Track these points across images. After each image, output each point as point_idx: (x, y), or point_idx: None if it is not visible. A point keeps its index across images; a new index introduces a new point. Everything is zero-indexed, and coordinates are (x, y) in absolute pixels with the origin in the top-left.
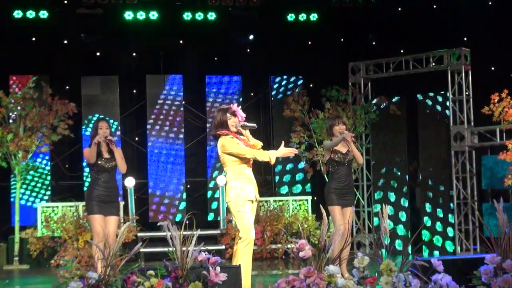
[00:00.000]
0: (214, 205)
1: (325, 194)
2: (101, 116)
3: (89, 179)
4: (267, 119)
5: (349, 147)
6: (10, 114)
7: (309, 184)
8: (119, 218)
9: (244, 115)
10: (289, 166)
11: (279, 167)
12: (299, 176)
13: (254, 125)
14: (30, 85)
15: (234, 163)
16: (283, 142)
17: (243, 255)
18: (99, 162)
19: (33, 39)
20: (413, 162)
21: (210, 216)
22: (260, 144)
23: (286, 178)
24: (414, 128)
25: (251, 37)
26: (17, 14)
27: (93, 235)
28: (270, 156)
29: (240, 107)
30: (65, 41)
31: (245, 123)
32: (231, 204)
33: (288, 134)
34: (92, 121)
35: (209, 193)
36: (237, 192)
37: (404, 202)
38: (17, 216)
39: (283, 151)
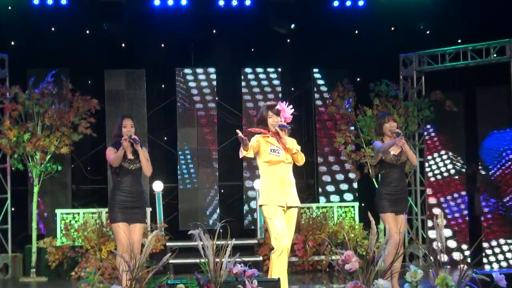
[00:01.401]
0: (250, 212)
1: (376, 200)
2: (126, 113)
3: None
4: (309, 117)
5: (402, 147)
6: (27, 111)
7: (356, 189)
8: (145, 225)
9: (291, 116)
10: (335, 168)
11: (323, 169)
12: (345, 180)
13: (288, 126)
14: (49, 80)
15: (265, 164)
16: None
17: (277, 266)
18: (122, 163)
19: (52, 29)
20: (471, 164)
21: (246, 224)
22: (295, 148)
23: (330, 182)
24: (473, 126)
25: (292, 26)
26: (35, 1)
27: (117, 245)
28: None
29: (290, 106)
30: (87, 31)
31: (284, 123)
32: (262, 210)
33: (332, 133)
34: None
35: (245, 199)
36: (265, 197)
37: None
38: (34, 223)
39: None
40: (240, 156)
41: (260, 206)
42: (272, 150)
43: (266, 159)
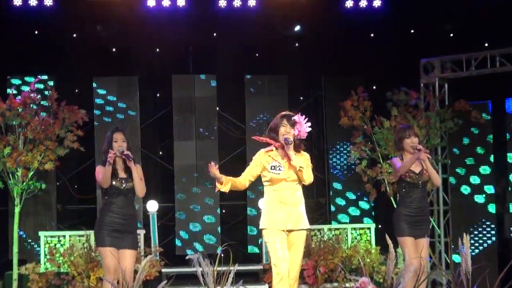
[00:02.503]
0: (254, 235)
1: (394, 222)
2: (116, 126)
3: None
4: (319, 129)
5: (423, 165)
6: (8, 123)
7: (372, 209)
8: (136, 252)
9: (307, 130)
10: (348, 185)
11: (337, 185)
12: (360, 199)
13: (290, 141)
14: (32, 88)
15: (266, 182)
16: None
17: None
18: (113, 182)
19: (36, 32)
20: (501, 181)
21: (251, 248)
22: (298, 165)
23: (344, 201)
24: (502, 140)
25: (297, 28)
26: (17, 1)
27: (104, 270)
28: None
29: (308, 123)
30: (74, 35)
31: (288, 137)
32: (263, 233)
33: (345, 147)
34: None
35: (249, 220)
36: (265, 219)
37: (490, 231)
38: (16, 247)
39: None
40: (215, 191)
41: (261, 229)
42: (273, 167)
43: (266, 178)
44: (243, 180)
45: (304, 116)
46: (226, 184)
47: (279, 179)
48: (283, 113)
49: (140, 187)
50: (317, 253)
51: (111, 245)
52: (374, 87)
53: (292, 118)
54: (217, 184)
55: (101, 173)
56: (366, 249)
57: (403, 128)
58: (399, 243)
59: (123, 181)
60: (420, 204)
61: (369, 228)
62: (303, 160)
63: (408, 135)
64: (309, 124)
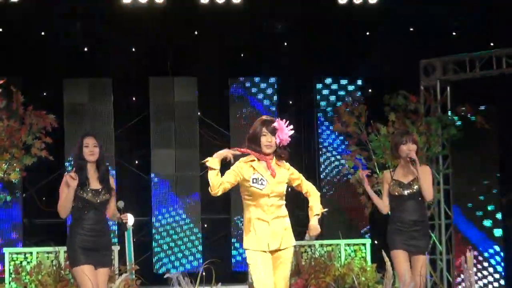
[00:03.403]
0: (240, 251)
1: (387, 236)
2: (87, 131)
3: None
4: (310, 136)
5: (416, 174)
6: None
7: (367, 223)
8: (110, 270)
9: (288, 138)
10: (342, 197)
11: (327, 198)
12: (354, 212)
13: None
14: None
15: (247, 197)
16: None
17: None
18: (85, 195)
19: (0, 30)
20: (508, 192)
21: (236, 266)
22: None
23: (337, 214)
24: (509, 147)
25: (285, 25)
26: None
27: None
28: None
29: (290, 126)
30: (42, 33)
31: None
32: (246, 253)
33: (338, 156)
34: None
35: (233, 235)
36: (246, 239)
37: (496, 248)
38: None
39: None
40: (212, 193)
41: (244, 249)
42: (254, 180)
43: (247, 192)
44: (217, 184)
45: (284, 120)
46: (219, 186)
47: (261, 194)
48: (262, 119)
49: (112, 212)
50: (308, 271)
51: (86, 263)
52: (370, 90)
53: (272, 125)
54: (212, 185)
55: (64, 192)
56: (361, 267)
57: (399, 133)
58: (391, 258)
59: (96, 194)
60: (412, 217)
61: (364, 244)
62: (283, 175)
63: (405, 141)
64: (291, 127)
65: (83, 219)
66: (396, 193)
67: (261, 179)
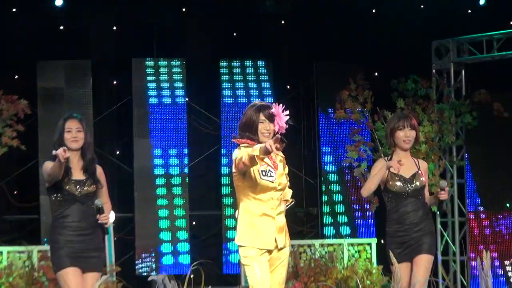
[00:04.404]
0: (232, 252)
1: (386, 244)
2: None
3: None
4: (310, 124)
5: (417, 167)
6: None
7: (373, 221)
8: (99, 274)
9: (285, 125)
10: (345, 192)
11: (328, 193)
12: (359, 209)
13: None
14: None
15: (250, 189)
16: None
17: None
18: (66, 186)
19: None
20: None
21: (227, 268)
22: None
23: (339, 211)
24: None
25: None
26: None
27: None
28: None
29: (285, 112)
30: (13, 9)
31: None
32: (240, 251)
33: (341, 146)
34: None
35: (225, 233)
36: (246, 235)
37: None
38: None
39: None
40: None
41: (239, 246)
42: (263, 173)
43: (254, 184)
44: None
45: (281, 105)
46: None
47: (271, 188)
48: (257, 104)
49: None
50: (307, 273)
51: (72, 265)
52: (376, 74)
53: (269, 111)
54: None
55: (49, 168)
56: (366, 269)
57: (395, 116)
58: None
59: (79, 185)
60: (412, 219)
61: (369, 244)
62: (282, 166)
63: (401, 126)
64: (287, 113)
65: (65, 216)
66: (396, 189)
67: (269, 170)
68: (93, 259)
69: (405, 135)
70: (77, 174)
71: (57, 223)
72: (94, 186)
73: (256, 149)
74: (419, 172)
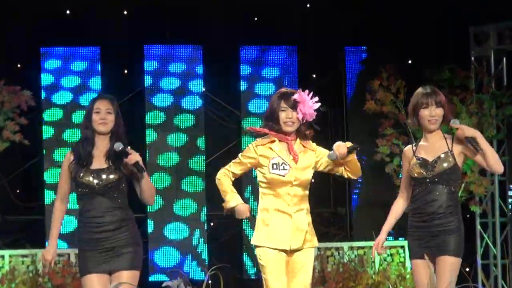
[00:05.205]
0: (252, 255)
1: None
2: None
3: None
4: (337, 116)
5: (449, 149)
6: None
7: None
8: (138, 272)
9: (313, 112)
10: (376, 190)
11: (358, 192)
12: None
13: (357, 146)
14: None
15: (265, 185)
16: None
17: None
18: (84, 178)
19: None
20: None
21: (248, 271)
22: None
23: (370, 211)
24: None
25: None
26: None
27: None
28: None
29: (314, 98)
30: None
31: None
32: (256, 252)
33: (371, 140)
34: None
35: (245, 235)
36: (260, 234)
37: None
38: None
39: None
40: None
41: (254, 246)
42: (274, 166)
43: (264, 179)
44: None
45: (307, 91)
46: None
47: (283, 182)
48: (279, 91)
49: (150, 194)
50: (335, 279)
51: (94, 271)
52: (410, 62)
53: (292, 98)
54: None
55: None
56: (399, 274)
57: (419, 93)
58: (411, 266)
59: (98, 175)
60: (436, 208)
61: (402, 247)
62: (309, 159)
63: (426, 104)
64: (316, 99)
65: (86, 211)
66: (416, 175)
67: (282, 163)
68: (126, 255)
69: (430, 114)
70: (99, 162)
71: (80, 220)
72: (116, 174)
73: (229, 201)
74: (450, 153)
